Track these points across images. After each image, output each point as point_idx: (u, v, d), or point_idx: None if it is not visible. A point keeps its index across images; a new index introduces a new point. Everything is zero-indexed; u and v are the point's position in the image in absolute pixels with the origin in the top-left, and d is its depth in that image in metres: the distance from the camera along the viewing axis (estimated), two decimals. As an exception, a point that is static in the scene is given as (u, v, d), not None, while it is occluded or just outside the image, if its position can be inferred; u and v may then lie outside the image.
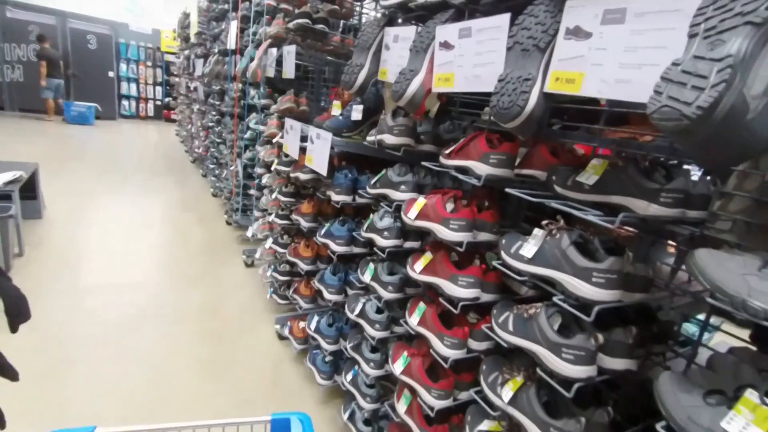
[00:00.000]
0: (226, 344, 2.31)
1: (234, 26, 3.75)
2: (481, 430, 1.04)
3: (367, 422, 1.61)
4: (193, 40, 6.20)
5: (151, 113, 11.15)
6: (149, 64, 10.83)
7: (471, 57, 1.02)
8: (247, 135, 3.64)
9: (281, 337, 2.41)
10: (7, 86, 8.88)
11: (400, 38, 1.30)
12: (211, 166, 5.07)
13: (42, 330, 2.16)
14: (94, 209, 4.06)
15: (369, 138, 1.47)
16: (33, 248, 3.09)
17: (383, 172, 1.46)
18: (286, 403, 1.92)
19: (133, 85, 10.78)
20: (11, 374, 0.76)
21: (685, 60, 0.55)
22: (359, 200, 1.73)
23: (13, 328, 0.76)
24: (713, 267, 0.59)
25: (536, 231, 0.91)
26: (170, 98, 10.87)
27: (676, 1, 0.63)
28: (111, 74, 10.09)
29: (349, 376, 1.71)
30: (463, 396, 1.21)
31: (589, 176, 0.92)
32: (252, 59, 3.04)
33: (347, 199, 1.71)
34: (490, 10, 1.01)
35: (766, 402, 0.54)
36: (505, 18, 0.92)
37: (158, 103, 11.17)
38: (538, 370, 0.86)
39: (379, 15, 1.52)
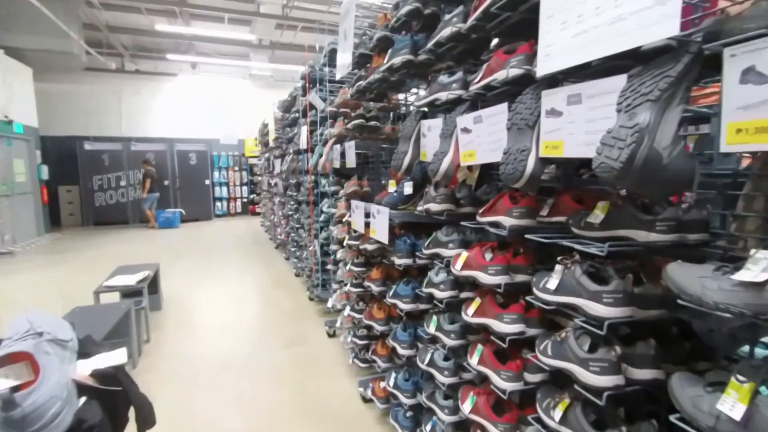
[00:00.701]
0: (315, 406, 2.54)
1: (304, 130, 4.47)
2: (544, 456, 1.14)
3: (449, 471, 1.70)
4: (271, 144, 7.30)
5: (239, 210, 12.72)
6: (236, 168, 12.61)
7: (486, 137, 1.30)
8: (321, 218, 4.15)
9: (365, 400, 2.58)
10: (130, 204, 10.87)
11: (432, 128, 1.64)
12: (293, 249, 5.68)
13: (168, 400, 2.58)
14: (200, 294, 4.73)
15: (419, 208, 1.77)
16: (157, 334, 3.69)
17: (434, 234, 1.72)
18: (374, 459, 2.05)
19: (225, 188, 12.53)
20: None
21: (614, 128, 0.78)
22: (419, 261, 1.98)
23: None
24: (679, 274, 0.75)
25: (557, 267, 1.09)
26: (254, 195, 12.42)
27: (612, 85, 0.87)
28: (207, 182, 11.87)
29: (428, 427, 1.83)
30: (529, 430, 1.31)
31: (596, 216, 1.10)
32: (321, 155, 3.61)
33: (408, 261, 1.98)
34: (494, 101, 1.31)
35: (740, 380, 0.67)
36: (504, 106, 1.21)
37: (245, 200, 12.76)
38: (576, 387, 0.99)
39: (414, 111, 1.89)
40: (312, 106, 4.17)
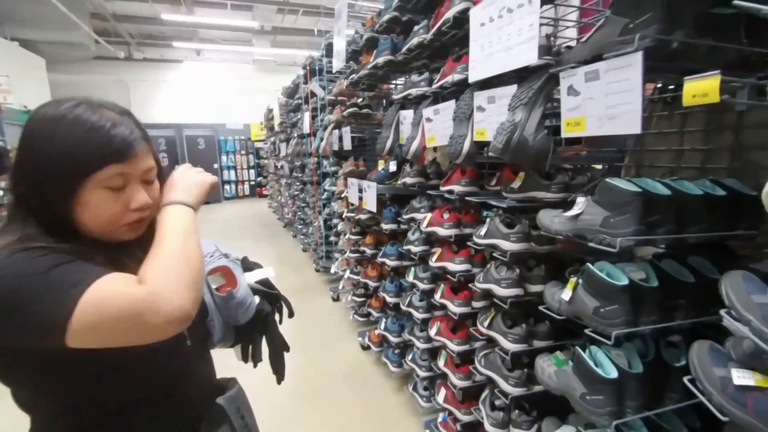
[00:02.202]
0: (321, 356, 3.03)
1: (307, 116, 4.87)
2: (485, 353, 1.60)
3: (425, 388, 2.18)
4: (276, 128, 7.70)
5: (247, 192, 13.19)
6: (243, 152, 13.03)
7: (442, 125, 1.72)
8: (324, 196, 4.59)
9: (363, 347, 3.07)
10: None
11: (407, 117, 2.05)
12: (299, 227, 6.15)
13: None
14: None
15: (399, 182, 2.19)
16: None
17: (410, 203, 2.15)
18: (365, 392, 2.54)
19: (232, 172, 12.98)
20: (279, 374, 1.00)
21: (503, 122, 1.19)
22: (402, 226, 2.42)
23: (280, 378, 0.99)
24: (542, 215, 1.18)
25: (487, 220, 1.52)
26: (261, 177, 12.87)
27: (510, 91, 1.27)
28: (215, 166, 12.33)
29: (410, 357, 2.31)
30: (477, 344, 1.76)
31: (516, 183, 1.52)
32: (322, 139, 4.02)
33: (393, 226, 2.41)
34: (450, 97, 1.72)
35: (572, 278, 1.10)
36: (452, 102, 1.62)
37: (252, 183, 13.22)
38: (495, 300, 1.44)
39: (394, 102, 2.30)
40: (313, 94, 4.55)
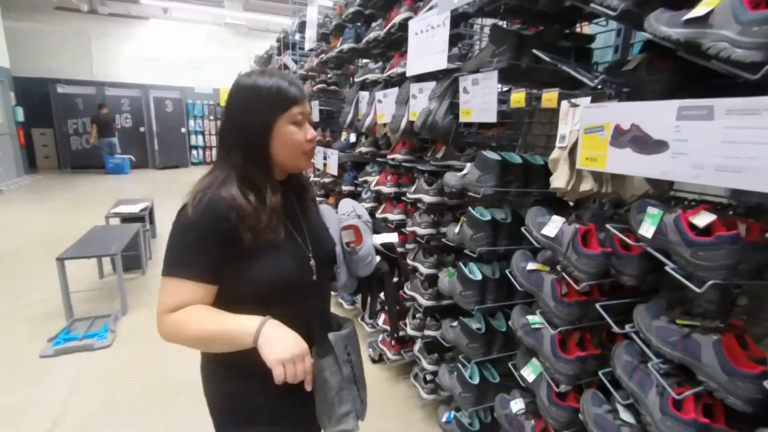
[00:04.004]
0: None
1: (279, 86, 5.17)
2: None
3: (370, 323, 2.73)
4: (248, 96, 7.87)
5: (215, 158, 13.17)
6: (211, 118, 12.93)
7: (389, 106, 2.19)
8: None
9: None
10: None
11: (364, 97, 2.51)
12: (268, 192, 6.51)
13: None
14: (190, 228, 5.56)
15: (356, 151, 2.67)
16: (156, 253, 4.55)
17: (365, 168, 2.64)
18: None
19: (200, 137, 12.90)
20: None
21: (424, 108, 1.69)
22: (358, 188, 2.91)
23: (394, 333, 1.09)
24: (446, 176, 1.70)
25: (416, 182, 2.03)
26: (230, 144, 12.84)
27: (432, 85, 1.77)
28: (183, 130, 12.23)
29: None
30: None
31: (439, 153, 2.03)
32: (293, 110, 4.38)
33: (351, 188, 2.90)
34: (395, 83, 2.19)
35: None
36: (396, 89, 2.09)
37: (221, 149, 13.20)
38: (417, 239, 1.97)
39: (355, 83, 2.74)
40: (286, 66, 4.86)
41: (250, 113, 0.84)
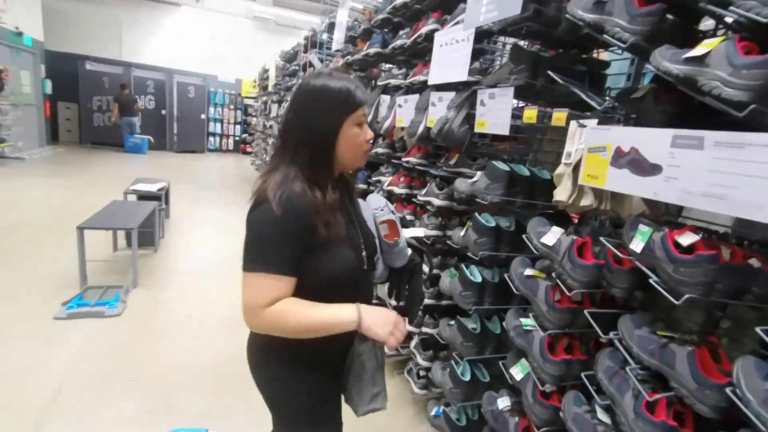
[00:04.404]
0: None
1: (302, 83, 5.31)
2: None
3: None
4: (270, 89, 8.04)
5: (230, 147, 13.40)
6: (231, 107, 13.17)
7: (408, 111, 2.29)
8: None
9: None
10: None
11: (385, 100, 2.61)
12: (281, 184, 6.65)
13: (182, 269, 3.63)
14: (201, 212, 5.72)
15: (372, 152, 2.77)
16: (169, 233, 4.69)
17: (379, 168, 2.74)
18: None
19: (219, 125, 13.13)
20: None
21: (442, 116, 1.79)
22: (371, 187, 3.01)
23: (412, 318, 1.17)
24: (457, 182, 1.79)
25: (428, 185, 2.13)
26: (246, 134, 13.08)
27: (451, 95, 1.87)
28: (203, 116, 12.47)
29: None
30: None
31: (452, 160, 2.13)
32: (313, 106, 4.50)
33: (364, 186, 3.00)
34: (416, 90, 2.29)
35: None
36: (416, 96, 2.20)
37: (237, 138, 13.42)
38: (425, 240, 2.06)
39: (377, 87, 2.85)
40: (311, 64, 4.99)
41: (320, 114, 0.88)
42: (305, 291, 0.90)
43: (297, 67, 5.92)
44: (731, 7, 0.84)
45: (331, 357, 1.02)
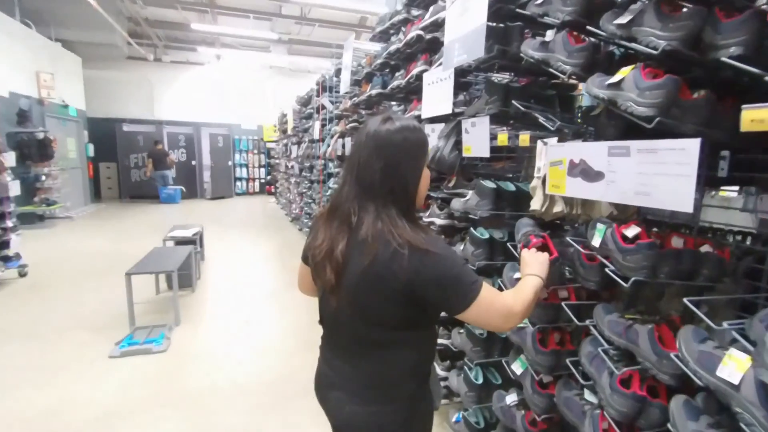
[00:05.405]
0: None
1: (317, 124, 5.72)
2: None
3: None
4: (289, 132, 8.57)
5: (257, 190, 14.07)
6: (255, 151, 13.93)
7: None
8: (328, 193, 5.43)
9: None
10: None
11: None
12: (305, 220, 6.99)
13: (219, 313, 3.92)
14: (232, 252, 6.08)
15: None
16: (204, 273, 5.04)
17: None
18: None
19: (244, 170, 13.88)
20: None
21: (434, 145, 2.02)
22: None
23: None
24: (453, 202, 2.00)
25: (430, 207, 2.34)
26: (270, 176, 13.73)
27: (440, 127, 2.10)
28: (230, 163, 13.23)
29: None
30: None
31: (452, 183, 2.34)
32: (329, 145, 4.86)
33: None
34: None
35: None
36: (442, 124, 2.45)
37: (262, 181, 14.09)
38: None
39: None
40: (323, 106, 5.40)
41: (412, 163, 0.99)
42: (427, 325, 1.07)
43: (312, 110, 6.37)
44: (633, 43, 1.04)
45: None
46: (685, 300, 1.00)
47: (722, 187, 1.65)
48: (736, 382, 0.82)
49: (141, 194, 12.08)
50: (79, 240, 6.75)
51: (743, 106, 0.83)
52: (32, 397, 2.47)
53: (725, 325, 0.90)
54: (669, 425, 0.99)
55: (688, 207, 0.93)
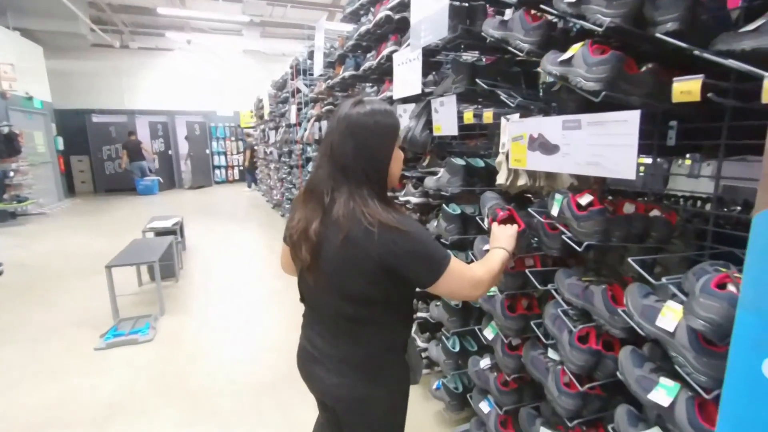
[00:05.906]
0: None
1: (293, 108, 5.67)
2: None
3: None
4: (266, 117, 8.45)
5: (236, 177, 13.88)
6: (232, 138, 13.68)
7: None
8: (308, 177, 5.43)
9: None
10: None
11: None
12: (287, 206, 6.98)
13: (200, 306, 3.94)
14: (214, 239, 6.06)
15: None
16: (186, 263, 5.03)
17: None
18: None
19: (222, 157, 13.64)
20: None
21: (406, 125, 2.06)
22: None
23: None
24: (426, 180, 2.06)
25: (406, 186, 2.39)
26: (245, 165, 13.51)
27: (411, 107, 2.14)
28: (207, 151, 12.98)
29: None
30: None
31: (426, 161, 2.39)
32: (306, 129, 4.84)
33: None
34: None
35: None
36: (412, 105, 2.48)
37: (241, 168, 13.88)
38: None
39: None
40: (299, 90, 5.35)
41: (382, 145, 1.03)
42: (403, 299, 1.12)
43: (288, 94, 6.29)
44: (582, 21, 1.10)
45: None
46: (629, 259, 1.09)
47: (687, 155, 1.75)
48: (671, 329, 0.92)
49: (117, 187, 11.79)
50: (56, 236, 6.61)
51: (674, 78, 0.90)
52: (20, 396, 2.49)
53: (664, 280, 0.99)
54: (618, 373, 1.10)
55: (631, 174, 1.01)
